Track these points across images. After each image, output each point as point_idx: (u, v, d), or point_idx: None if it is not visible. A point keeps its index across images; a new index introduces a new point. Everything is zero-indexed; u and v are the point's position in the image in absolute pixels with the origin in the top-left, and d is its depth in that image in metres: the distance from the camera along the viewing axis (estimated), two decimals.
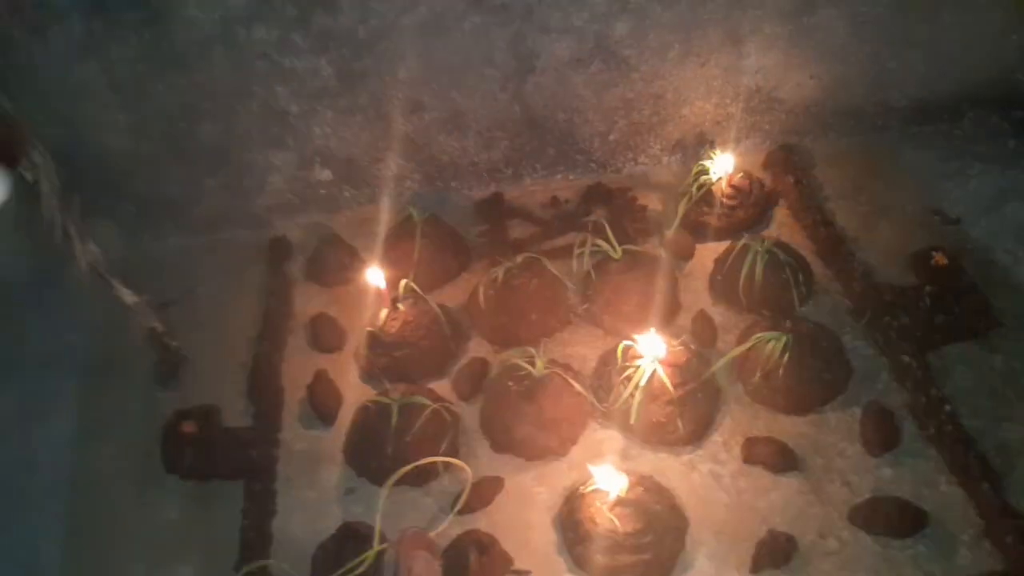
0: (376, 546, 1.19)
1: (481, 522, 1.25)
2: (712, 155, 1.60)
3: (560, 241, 1.64)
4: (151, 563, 1.29)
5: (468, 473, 1.29)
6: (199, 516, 1.34)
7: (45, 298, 1.72)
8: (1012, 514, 1.13)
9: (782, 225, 1.62)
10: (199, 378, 1.54)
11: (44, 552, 1.34)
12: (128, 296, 1.47)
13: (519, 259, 1.50)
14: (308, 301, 1.65)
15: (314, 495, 1.33)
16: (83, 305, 1.67)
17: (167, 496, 1.37)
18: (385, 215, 1.73)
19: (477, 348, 1.50)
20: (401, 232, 1.63)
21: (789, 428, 1.30)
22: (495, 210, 1.73)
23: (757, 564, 1.15)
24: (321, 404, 1.43)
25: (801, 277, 1.45)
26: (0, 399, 1.56)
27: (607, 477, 1.16)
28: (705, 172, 1.58)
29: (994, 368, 1.34)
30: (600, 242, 1.48)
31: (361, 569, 1.16)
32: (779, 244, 1.46)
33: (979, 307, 1.40)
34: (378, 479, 1.30)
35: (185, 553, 1.30)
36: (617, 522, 1.14)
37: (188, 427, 1.41)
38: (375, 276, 1.47)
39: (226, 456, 1.38)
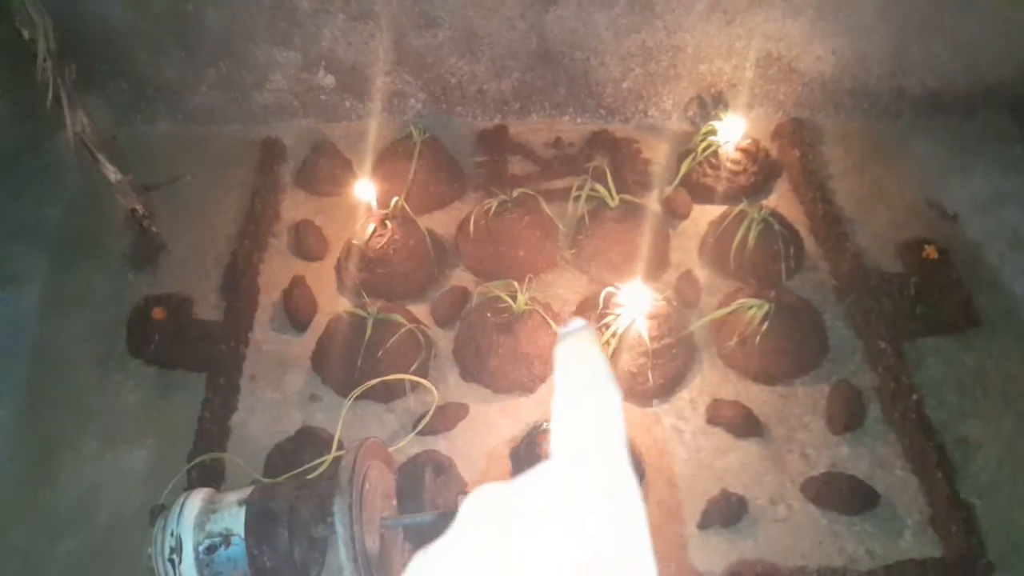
0: (334, 452, 1.19)
1: (441, 444, 1.25)
2: (723, 117, 1.57)
3: (558, 183, 1.62)
4: (106, 441, 1.29)
5: (435, 395, 1.29)
6: (158, 402, 1.33)
7: (26, 166, 1.68)
8: (960, 505, 1.15)
9: (781, 197, 1.60)
10: (174, 267, 1.51)
11: None
12: (112, 173, 1.43)
13: (515, 194, 1.47)
14: (295, 207, 1.62)
15: (277, 397, 1.33)
16: (65, 177, 1.64)
17: (128, 379, 1.36)
18: (384, 131, 1.69)
19: (460, 277, 1.49)
20: (399, 150, 1.59)
21: (756, 395, 1.31)
22: (497, 142, 1.70)
23: (706, 520, 1.16)
24: (295, 309, 1.42)
25: (792, 250, 1.44)
26: None
27: None
28: (713, 133, 1.56)
29: (966, 365, 1.35)
30: (599, 187, 1.46)
31: (316, 472, 1.17)
32: (775, 214, 1.45)
33: (961, 304, 1.40)
34: (343, 390, 1.29)
35: (141, 436, 1.29)
36: None
37: (158, 313, 1.40)
38: (367, 190, 1.44)
39: (193, 347, 1.37)
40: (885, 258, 1.50)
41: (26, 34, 1.30)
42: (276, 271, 1.50)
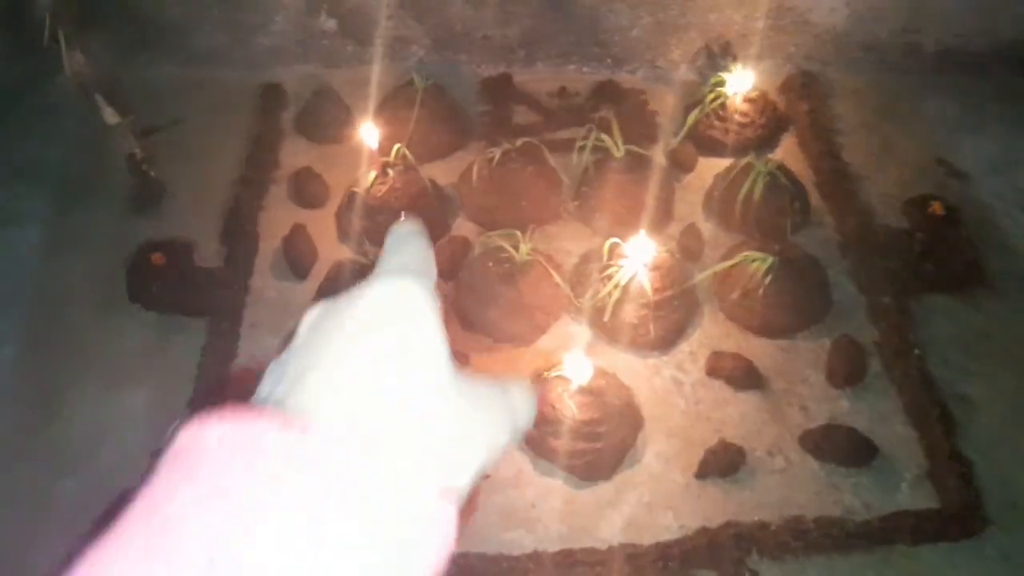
0: None
1: None
2: (732, 69, 1.54)
3: (563, 134, 1.60)
4: (106, 384, 1.29)
5: None
6: (158, 347, 1.33)
7: (26, 105, 1.66)
8: (958, 460, 1.15)
9: (788, 152, 1.58)
10: (174, 212, 1.50)
11: (2, 357, 1.33)
12: (110, 116, 1.42)
13: (519, 143, 1.45)
14: (295, 154, 1.60)
15: (278, 343, 1.32)
16: (67, 117, 1.62)
17: (128, 322, 1.36)
18: (386, 78, 1.66)
19: (461, 228, 1.48)
20: (401, 97, 1.57)
21: (758, 349, 1.31)
22: (501, 91, 1.68)
23: (703, 470, 1.16)
24: (296, 257, 1.41)
25: (798, 205, 1.43)
26: None
27: (575, 364, 1.16)
28: (721, 84, 1.54)
29: (971, 324, 1.34)
30: (604, 137, 1.43)
31: None
32: (782, 168, 1.44)
33: (969, 263, 1.39)
34: None
35: (141, 380, 1.29)
36: (576, 409, 1.15)
37: (158, 258, 1.39)
38: (368, 135, 1.42)
39: (194, 293, 1.37)
40: (892, 215, 1.48)
41: None
42: (277, 218, 1.49)
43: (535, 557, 1.09)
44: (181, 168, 1.55)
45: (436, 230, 1.46)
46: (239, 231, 1.44)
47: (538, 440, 1.17)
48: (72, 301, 1.39)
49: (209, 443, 0.30)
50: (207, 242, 1.44)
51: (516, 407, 0.38)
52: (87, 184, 1.54)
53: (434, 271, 0.40)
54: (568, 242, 1.45)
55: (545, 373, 1.21)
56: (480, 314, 1.32)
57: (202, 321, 1.34)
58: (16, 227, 1.48)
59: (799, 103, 1.62)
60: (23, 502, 1.19)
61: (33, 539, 1.15)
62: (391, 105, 1.57)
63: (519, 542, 1.11)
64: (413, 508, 0.31)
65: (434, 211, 1.46)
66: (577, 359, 1.17)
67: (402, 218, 0.43)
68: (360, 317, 0.34)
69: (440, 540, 0.31)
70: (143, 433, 1.23)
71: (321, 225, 1.48)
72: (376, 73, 1.67)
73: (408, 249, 0.40)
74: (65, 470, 1.21)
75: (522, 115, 1.65)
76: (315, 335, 0.34)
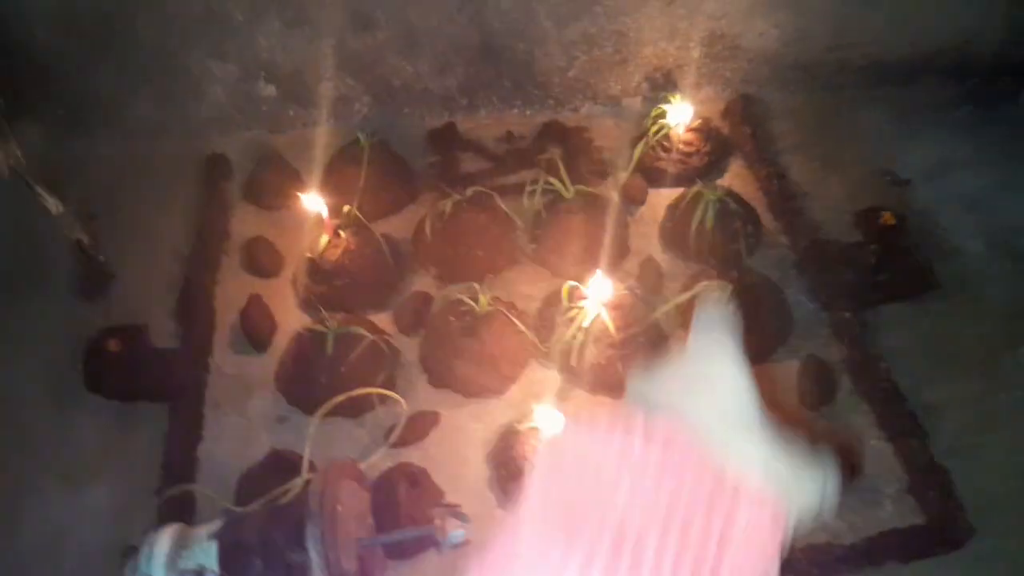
0: (304, 475, 1.16)
1: (414, 456, 1.23)
2: (671, 99, 1.56)
3: (512, 178, 1.60)
4: (68, 481, 1.24)
5: (403, 406, 1.27)
6: (120, 437, 1.29)
7: None
8: (936, 470, 1.16)
9: (736, 176, 1.60)
10: (125, 295, 1.47)
11: None
12: (53, 205, 1.38)
13: (469, 193, 1.45)
14: (245, 223, 1.57)
15: (243, 422, 1.29)
16: (2, 211, 1.58)
17: (87, 415, 1.31)
18: (331, 138, 1.65)
19: (420, 282, 1.47)
20: (347, 157, 1.56)
21: None
22: (447, 141, 1.68)
23: None
24: (254, 329, 1.38)
25: (750, 228, 1.44)
26: None
27: (545, 416, 1.15)
28: (663, 116, 1.55)
29: (927, 329, 1.36)
30: (553, 180, 1.44)
31: (287, 498, 1.14)
32: (731, 194, 1.45)
33: (919, 269, 1.41)
34: (310, 409, 1.26)
35: (104, 474, 1.25)
36: None
37: (113, 345, 1.35)
38: (316, 201, 1.41)
39: (152, 377, 1.33)
40: (843, 229, 1.50)
41: None
42: (231, 291, 1.46)
43: None
44: (128, 249, 1.51)
45: (394, 288, 1.45)
46: (193, 308, 1.41)
47: (516, 496, 1.15)
48: (24, 400, 1.34)
49: (588, 436, 0.40)
50: (161, 322, 1.41)
51: (827, 480, 0.47)
52: (30, 275, 1.49)
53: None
54: (528, 286, 1.45)
55: (516, 425, 1.20)
56: (447, 369, 1.31)
57: (163, 405, 1.31)
58: None
59: (742, 127, 1.65)
60: None
61: None
62: (338, 165, 1.56)
63: None
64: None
65: (390, 269, 1.44)
66: (547, 410, 1.16)
67: (705, 293, 0.57)
68: (694, 369, 0.49)
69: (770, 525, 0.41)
70: (107, 530, 1.18)
71: (278, 293, 1.45)
72: (321, 134, 1.66)
73: (721, 325, 0.54)
74: None
75: (470, 162, 1.65)
76: (648, 383, 0.48)
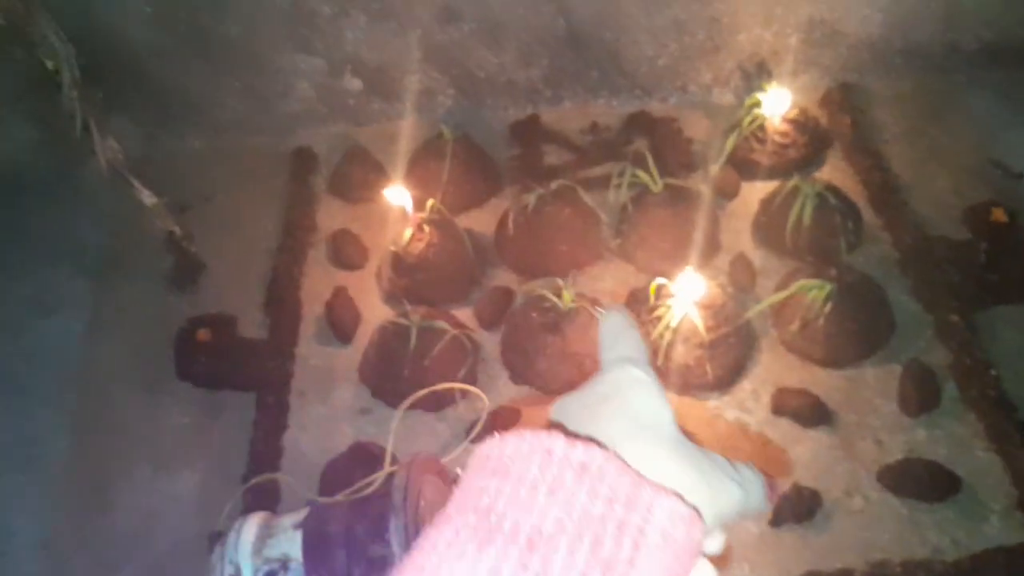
0: (387, 468, 1.16)
1: None
2: (767, 88, 1.49)
3: (597, 171, 1.56)
4: (157, 466, 1.28)
5: (485, 402, 1.25)
6: (208, 424, 1.32)
7: (61, 193, 1.68)
8: None
9: (834, 168, 1.52)
10: (215, 286, 1.50)
11: (51, 446, 1.33)
12: (147, 197, 1.42)
13: (553, 186, 1.42)
14: (330, 216, 1.59)
15: (327, 412, 1.30)
16: (99, 203, 1.64)
17: (176, 402, 1.35)
18: (415, 132, 1.65)
19: (502, 277, 1.45)
20: (430, 151, 1.55)
21: (823, 381, 1.24)
22: (530, 133, 1.65)
23: (778, 517, 1.10)
24: (339, 321, 1.39)
25: (850, 224, 1.36)
26: (12, 292, 1.54)
27: None
28: (758, 106, 1.49)
29: None
30: (640, 172, 1.40)
31: (370, 489, 1.14)
32: (830, 187, 1.38)
33: None
34: (393, 401, 1.26)
35: (192, 459, 1.28)
36: None
37: (203, 335, 1.39)
38: (400, 195, 1.41)
39: (240, 367, 1.36)
40: (950, 225, 1.41)
41: (50, 65, 1.29)
42: (317, 283, 1.47)
43: None
44: (218, 241, 1.55)
45: (476, 283, 1.43)
46: (281, 300, 1.43)
47: None
48: (119, 385, 1.39)
49: (513, 449, 0.39)
50: (250, 313, 1.44)
51: (747, 484, 0.46)
52: (125, 265, 1.55)
53: (647, 352, 0.51)
54: (612, 283, 1.41)
55: None
56: (527, 366, 1.28)
57: (250, 395, 1.33)
58: (59, 315, 1.49)
59: (841, 117, 1.57)
60: None
61: None
62: (422, 159, 1.56)
63: None
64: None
65: (472, 263, 1.43)
66: None
67: (603, 309, 0.55)
68: (599, 392, 0.46)
69: (684, 539, 0.39)
70: (195, 515, 1.21)
71: (362, 286, 1.46)
72: (405, 128, 1.66)
73: (624, 340, 0.50)
74: (120, 560, 1.20)
75: (554, 155, 1.62)
76: (561, 411, 0.45)
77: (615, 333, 0.51)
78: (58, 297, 1.53)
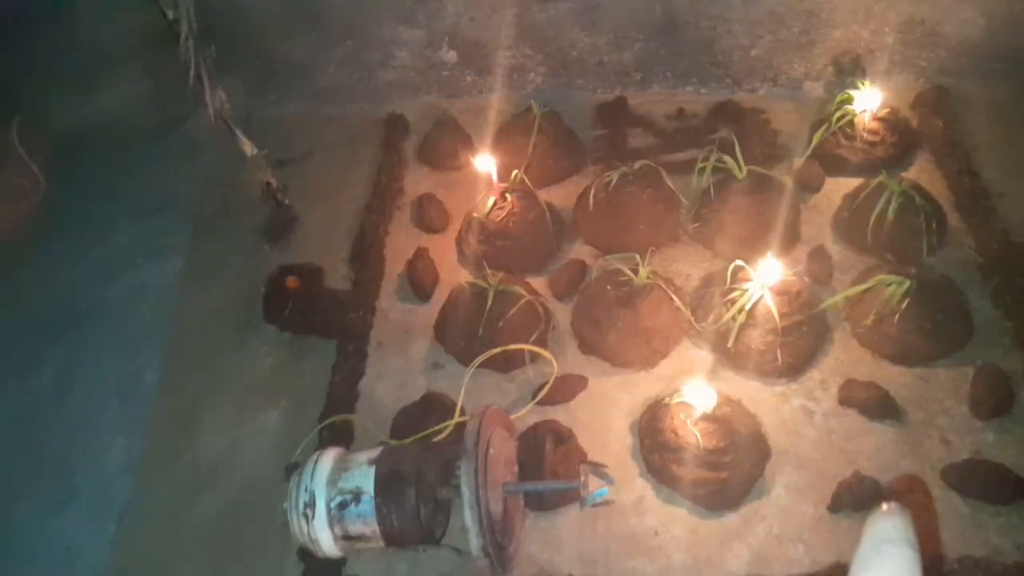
0: (457, 417, 1.21)
1: (560, 415, 1.25)
2: (859, 85, 1.49)
3: (680, 156, 1.58)
4: (243, 403, 1.36)
5: (554, 366, 1.29)
6: (291, 367, 1.40)
7: (168, 145, 1.79)
8: None
9: (922, 170, 1.51)
10: (306, 239, 1.58)
11: (145, 378, 1.43)
12: (248, 147, 1.50)
13: (636, 166, 1.45)
14: (417, 181, 1.65)
15: (402, 363, 1.36)
16: (204, 155, 1.73)
17: (263, 344, 1.43)
18: (504, 106, 1.70)
19: (578, 251, 1.48)
20: (518, 124, 1.60)
21: (893, 377, 1.24)
22: (617, 115, 1.68)
23: (836, 503, 1.11)
24: (419, 280, 1.45)
25: (934, 225, 1.35)
26: (117, 236, 1.65)
27: (697, 392, 1.14)
28: (849, 102, 1.48)
29: None
30: (726, 158, 1.41)
31: (441, 436, 1.19)
32: (916, 187, 1.37)
33: None
34: (465, 359, 1.31)
35: (275, 399, 1.36)
36: (700, 437, 1.13)
37: (292, 282, 1.46)
38: (487, 163, 1.45)
39: (325, 315, 1.43)
40: None
41: (170, 15, 1.37)
42: (401, 243, 1.54)
43: None
44: (310, 197, 1.63)
45: (553, 254, 1.47)
46: (366, 256, 1.50)
47: (660, 467, 1.15)
48: (210, 326, 1.48)
49: None
50: (336, 266, 1.51)
51: None
52: (224, 216, 1.64)
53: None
54: (687, 265, 1.43)
55: (667, 399, 1.19)
56: (598, 338, 1.32)
57: (331, 342, 1.40)
58: (159, 259, 1.59)
59: (933, 119, 1.55)
60: (167, 518, 1.26)
61: (173, 550, 1.22)
62: (509, 132, 1.60)
63: (641, 570, 1.10)
64: None
65: (550, 235, 1.47)
66: (700, 385, 1.15)
67: (887, 506, 0.46)
68: None
69: None
70: (274, 450, 1.28)
71: (442, 249, 1.52)
72: (494, 101, 1.70)
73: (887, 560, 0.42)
74: (202, 487, 1.28)
75: (638, 138, 1.64)
76: None
77: (883, 546, 0.42)
78: (160, 242, 1.63)
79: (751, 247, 1.35)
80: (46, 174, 1.67)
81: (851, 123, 1.48)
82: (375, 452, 1.09)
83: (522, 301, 1.31)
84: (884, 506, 0.44)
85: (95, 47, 1.76)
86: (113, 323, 1.51)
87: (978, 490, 1.11)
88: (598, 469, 1.07)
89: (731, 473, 1.12)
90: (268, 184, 1.56)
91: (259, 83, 1.79)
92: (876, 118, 1.49)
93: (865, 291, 1.26)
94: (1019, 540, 1.07)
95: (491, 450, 1.03)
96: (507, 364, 1.31)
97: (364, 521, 1.04)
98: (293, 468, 1.11)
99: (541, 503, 1.15)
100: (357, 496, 1.05)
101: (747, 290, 1.24)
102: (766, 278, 1.23)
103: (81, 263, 1.59)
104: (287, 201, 1.58)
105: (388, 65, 1.74)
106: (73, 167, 1.73)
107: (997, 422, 1.19)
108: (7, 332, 1.52)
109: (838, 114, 1.48)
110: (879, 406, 1.20)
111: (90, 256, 1.60)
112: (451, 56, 1.70)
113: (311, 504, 1.05)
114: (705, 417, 1.15)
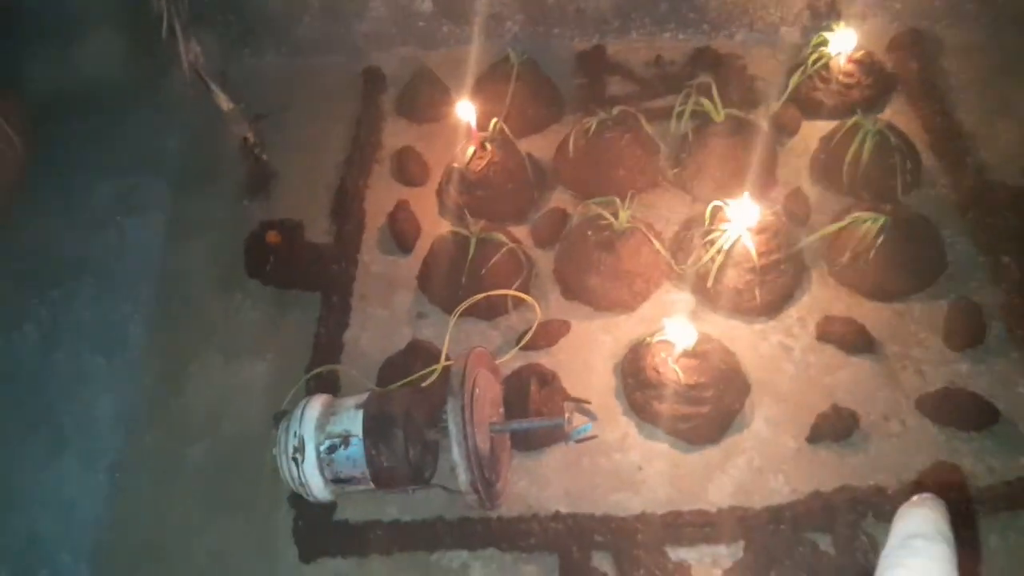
0: (442, 362, 1.23)
1: (544, 360, 1.27)
2: (835, 28, 1.49)
3: (659, 102, 1.58)
4: (229, 355, 1.37)
5: (537, 311, 1.31)
6: (276, 320, 1.40)
7: (145, 100, 1.76)
8: None
9: (898, 112, 1.52)
10: (285, 194, 1.57)
11: (131, 332, 1.43)
12: (224, 102, 1.49)
13: (614, 112, 1.45)
14: (396, 134, 1.64)
15: (386, 314, 1.37)
16: (180, 113, 1.71)
17: (247, 298, 1.43)
18: (481, 56, 1.68)
19: (559, 199, 1.49)
20: (496, 74, 1.59)
21: (870, 313, 1.27)
22: (595, 63, 1.67)
23: (815, 434, 1.14)
24: (400, 232, 1.45)
25: (909, 164, 1.37)
26: (99, 192, 1.63)
27: (677, 329, 1.16)
28: (824, 45, 1.49)
29: None
30: (704, 101, 1.41)
31: (428, 381, 1.21)
32: (892, 127, 1.39)
33: None
34: (449, 307, 1.32)
35: (260, 350, 1.36)
36: (680, 373, 1.15)
37: (273, 237, 1.46)
38: (466, 111, 1.45)
39: (307, 268, 1.43)
40: (1012, 175, 1.41)
41: None
42: (381, 196, 1.53)
43: (643, 518, 1.10)
44: (289, 152, 1.62)
45: (533, 203, 1.48)
46: (347, 209, 1.50)
47: (642, 404, 1.17)
48: (194, 280, 1.48)
49: None
50: (317, 221, 1.51)
51: None
52: (203, 171, 1.63)
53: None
54: (667, 210, 1.44)
55: (648, 338, 1.21)
56: (580, 282, 1.33)
57: (315, 295, 1.40)
58: (140, 215, 1.58)
59: (908, 62, 1.56)
60: (154, 468, 1.27)
61: (165, 500, 1.23)
62: (487, 82, 1.60)
63: (625, 504, 1.12)
64: None
65: (531, 184, 1.47)
66: (680, 323, 1.16)
67: (918, 497, 0.42)
68: None
69: None
70: (262, 401, 1.29)
71: (423, 202, 1.52)
72: (472, 51, 1.69)
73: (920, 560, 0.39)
74: (192, 438, 1.29)
75: (617, 86, 1.64)
76: None
77: (909, 537, 0.39)
78: (141, 199, 1.62)
79: (730, 190, 1.36)
80: (22, 136, 1.64)
81: (827, 66, 1.49)
82: (363, 397, 1.11)
83: (504, 249, 1.32)
84: (915, 497, 0.41)
85: (68, 4, 1.73)
86: (97, 279, 1.51)
87: (952, 418, 1.14)
88: (581, 406, 1.09)
89: (711, 408, 1.14)
90: (246, 139, 1.55)
91: (236, 35, 1.77)
92: (852, 60, 1.50)
93: (841, 229, 1.28)
94: (992, 464, 1.11)
95: (477, 390, 1.04)
96: (491, 311, 1.32)
97: (353, 463, 1.06)
98: (281, 415, 1.12)
99: (528, 442, 1.17)
100: (346, 439, 1.06)
101: (726, 231, 1.26)
102: (744, 218, 1.25)
103: (62, 222, 1.58)
104: (265, 156, 1.57)
105: (364, 16, 1.72)
106: (50, 128, 1.70)
107: (971, 352, 1.22)
108: None
109: (813, 56, 1.49)
110: (856, 341, 1.22)
111: (71, 215, 1.59)
112: (427, 6, 1.69)
113: (300, 449, 1.06)
114: (686, 354, 1.17)
